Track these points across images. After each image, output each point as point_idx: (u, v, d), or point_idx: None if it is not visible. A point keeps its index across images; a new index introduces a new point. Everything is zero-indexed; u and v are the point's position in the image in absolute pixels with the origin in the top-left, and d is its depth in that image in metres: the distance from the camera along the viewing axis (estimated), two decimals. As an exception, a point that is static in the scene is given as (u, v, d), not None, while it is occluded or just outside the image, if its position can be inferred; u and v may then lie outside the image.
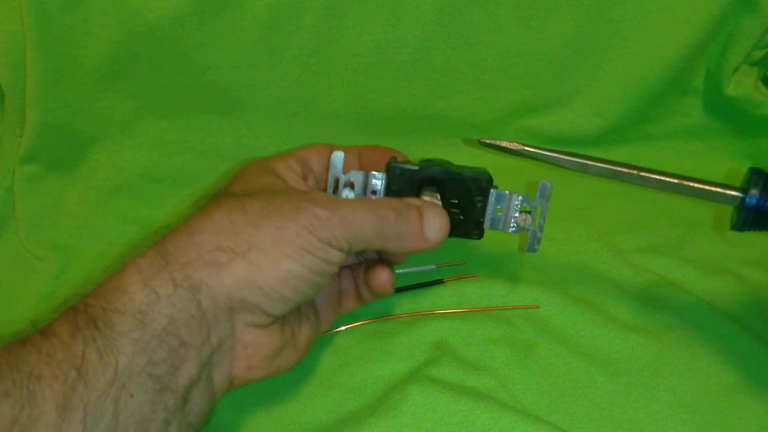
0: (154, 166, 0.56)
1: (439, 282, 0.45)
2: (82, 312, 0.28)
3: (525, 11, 0.55)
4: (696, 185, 0.34)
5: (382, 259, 0.39)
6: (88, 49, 0.51)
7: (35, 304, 0.48)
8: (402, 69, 0.56)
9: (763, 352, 0.40)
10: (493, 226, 0.39)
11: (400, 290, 0.45)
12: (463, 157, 0.60)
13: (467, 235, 0.39)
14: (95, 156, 0.56)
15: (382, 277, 0.37)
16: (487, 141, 0.38)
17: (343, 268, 0.39)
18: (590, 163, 0.36)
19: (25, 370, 0.25)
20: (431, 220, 0.35)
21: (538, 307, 0.43)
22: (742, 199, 0.33)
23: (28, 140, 0.52)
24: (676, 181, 0.35)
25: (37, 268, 0.51)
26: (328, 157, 0.38)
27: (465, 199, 0.38)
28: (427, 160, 0.38)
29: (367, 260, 0.40)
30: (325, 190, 0.39)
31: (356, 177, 0.37)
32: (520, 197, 0.39)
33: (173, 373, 0.28)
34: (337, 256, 0.32)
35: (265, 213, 0.31)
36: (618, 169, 0.35)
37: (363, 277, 0.39)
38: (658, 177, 0.35)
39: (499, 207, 0.39)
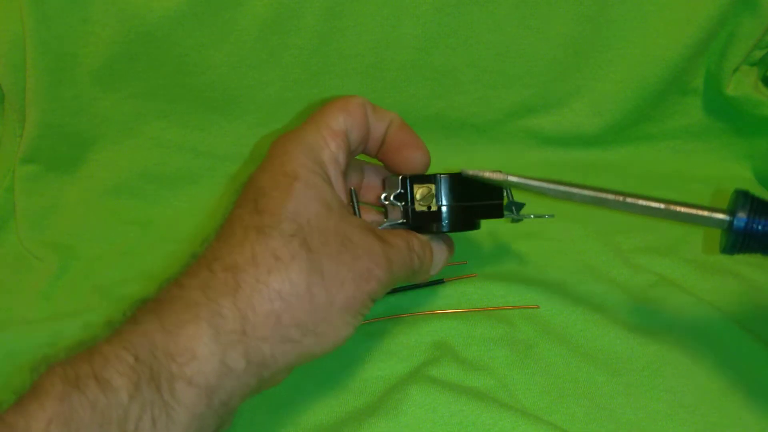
0: (154, 166, 0.56)
1: (439, 282, 0.45)
2: (146, 366, 0.25)
3: (525, 11, 0.55)
4: (682, 210, 0.34)
5: None
6: (88, 49, 0.52)
7: (35, 304, 0.48)
8: (402, 69, 0.56)
9: (763, 352, 0.40)
10: None
11: (400, 290, 0.45)
12: (462, 158, 0.60)
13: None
14: (95, 156, 0.56)
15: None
16: (470, 172, 0.37)
17: None
18: (575, 190, 0.36)
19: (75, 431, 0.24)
20: (437, 259, 0.38)
21: (538, 307, 0.43)
22: (730, 222, 0.33)
23: (28, 140, 0.52)
24: (662, 206, 0.34)
25: (37, 268, 0.51)
26: (365, 124, 0.37)
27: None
28: (437, 176, 0.38)
29: None
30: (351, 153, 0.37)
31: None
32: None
33: None
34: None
35: (340, 280, 0.30)
36: (603, 195, 0.35)
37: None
38: (644, 203, 0.34)
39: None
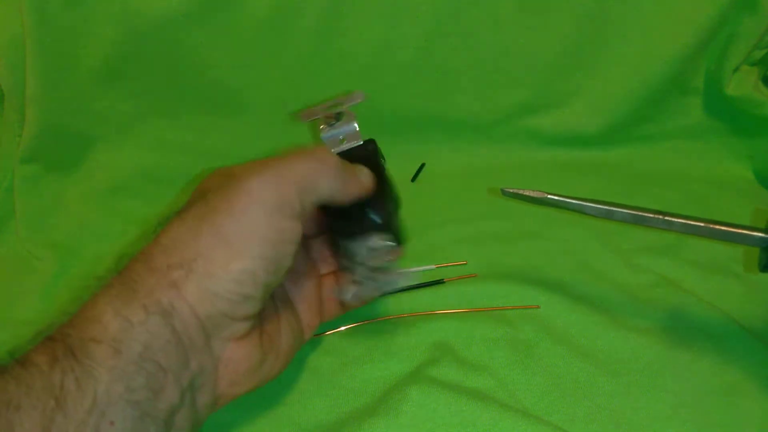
0: (154, 166, 0.56)
1: (439, 282, 0.45)
2: (60, 342, 0.27)
3: (525, 11, 0.55)
4: (721, 228, 0.34)
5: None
6: (88, 49, 0.52)
7: (35, 304, 0.48)
8: (402, 69, 0.56)
9: (763, 352, 0.40)
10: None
11: (399, 290, 0.45)
12: (462, 158, 0.60)
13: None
14: (95, 156, 0.56)
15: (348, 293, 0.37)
16: (510, 190, 0.37)
17: (324, 275, 0.39)
18: (615, 209, 0.36)
19: (4, 400, 0.25)
20: (360, 169, 0.36)
21: (538, 307, 0.43)
22: None
23: (28, 140, 0.52)
24: (701, 224, 0.34)
25: (37, 268, 0.51)
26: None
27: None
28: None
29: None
30: None
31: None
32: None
33: (153, 398, 0.28)
34: (291, 227, 0.31)
35: (200, 216, 0.30)
36: (642, 214, 0.35)
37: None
38: (683, 221, 0.34)
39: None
